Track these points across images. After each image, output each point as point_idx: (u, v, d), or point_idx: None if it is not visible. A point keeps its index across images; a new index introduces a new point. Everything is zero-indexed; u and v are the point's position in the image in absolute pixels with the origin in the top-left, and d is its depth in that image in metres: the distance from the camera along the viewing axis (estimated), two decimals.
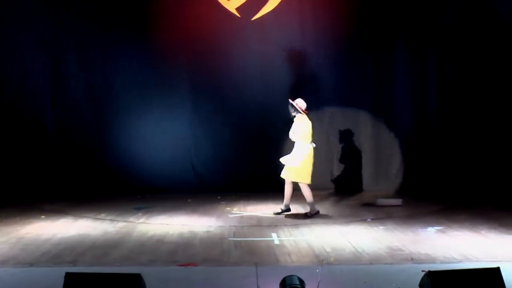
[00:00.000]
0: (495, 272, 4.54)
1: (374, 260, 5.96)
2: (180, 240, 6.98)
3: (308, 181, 8.50)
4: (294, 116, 8.55)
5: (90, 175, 10.80)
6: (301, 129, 8.44)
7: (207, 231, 7.50)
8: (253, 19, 11.05)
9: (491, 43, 10.77)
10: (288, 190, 8.60)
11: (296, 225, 7.83)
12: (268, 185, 10.79)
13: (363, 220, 8.20)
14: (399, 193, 10.55)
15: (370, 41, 11.06)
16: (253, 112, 11.06)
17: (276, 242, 6.86)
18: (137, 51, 10.98)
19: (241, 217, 8.58)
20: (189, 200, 10.03)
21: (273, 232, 7.40)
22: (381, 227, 7.69)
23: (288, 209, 8.67)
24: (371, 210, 9.03)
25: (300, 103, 8.49)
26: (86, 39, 10.92)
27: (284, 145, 10.95)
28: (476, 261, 5.85)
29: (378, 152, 11.25)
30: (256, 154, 11.07)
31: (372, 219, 8.22)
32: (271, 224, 7.93)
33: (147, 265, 5.83)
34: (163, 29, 10.80)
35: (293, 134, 8.50)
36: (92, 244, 6.78)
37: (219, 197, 10.23)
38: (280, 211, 8.67)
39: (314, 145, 8.57)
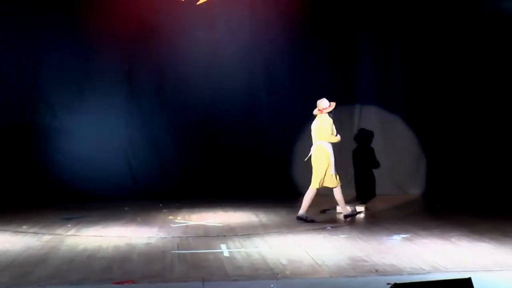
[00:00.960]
0: (466, 283, 4.60)
1: (335, 273, 5.96)
2: (116, 254, 6.82)
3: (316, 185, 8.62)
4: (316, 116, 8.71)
5: (12, 181, 10.46)
6: (329, 127, 8.56)
7: (147, 244, 7.37)
8: (198, 3, 10.95)
9: (459, 27, 11.09)
10: (340, 195, 8.70)
11: (247, 235, 7.79)
12: (216, 191, 10.78)
13: (322, 228, 8.22)
14: (360, 198, 10.68)
15: (329, 27, 11.18)
16: (199, 108, 10.98)
17: (226, 254, 6.80)
18: (66, 39, 10.70)
19: (186, 226, 8.49)
20: (126, 208, 9.88)
21: (222, 243, 7.34)
22: (342, 235, 7.73)
23: (356, 211, 9.06)
24: (331, 217, 9.05)
25: (322, 104, 8.61)
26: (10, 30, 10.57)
27: (233, 145, 10.96)
28: (446, 271, 5.93)
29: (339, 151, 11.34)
30: (202, 156, 11.00)
31: (332, 227, 8.26)
32: (220, 234, 7.87)
33: (77, 284, 5.66)
34: (96, 14, 10.58)
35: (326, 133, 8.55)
36: (12, 261, 6.53)
37: (160, 205, 10.12)
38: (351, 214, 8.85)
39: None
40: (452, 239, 7.43)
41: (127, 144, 10.97)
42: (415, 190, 11.22)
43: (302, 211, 8.64)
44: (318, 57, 11.21)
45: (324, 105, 8.70)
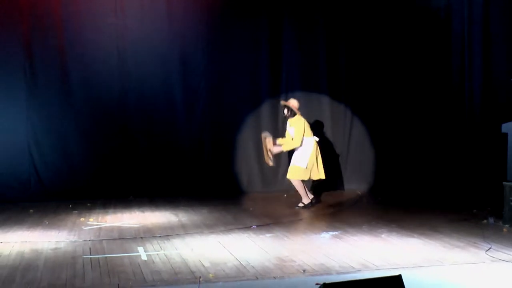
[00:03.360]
0: (397, 281, 4.74)
1: (261, 274, 6.01)
2: (19, 262, 6.61)
3: (319, 176, 9.64)
4: (287, 118, 9.65)
5: None
6: (301, 129, 9.48)
7: (55, 249, 7.19)
8: None
9: (390, 14, 11.45)
10: (298, 185, 9.60)
11: (167, 237, 7.74)
12: (132, 190, 10.64)
13: (246, 227, 8.27)
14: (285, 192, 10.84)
15: (252, 13, 11.21)
16: (110, 102, 10.78)
17: (144, 257, 6.73)
18: None
19: (99, 229, 8.34)
20: (32, 210, 9.60)
21: (140, 246, 7.26)
22: (268, 234, 7.81)
23: (312, 202, 9.67)
24: (256, 215, 9.13)
25: (294, 104, 9.56)
26: None
27: (148, 141, 10.84)
28: (376, 269, 6.11)
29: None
30: (115, 152, 10.82)
31: (257, 226, 8.33)
32: (137, 236, 7.78)
33: None
34: None
35: (297, 137, 9.50)
36: None
37: (70, 206, 9.92)
38: (302, 205, 9.62)
39: (317, 138, 9.63)
40: (382, 236, 7.65)
41: (31, 141, 10.62)
42: (354, 185, 11.50)
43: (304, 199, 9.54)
44: (241, 45, 11.22)
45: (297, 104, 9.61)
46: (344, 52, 11.60)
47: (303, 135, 9.55)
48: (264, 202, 10.42)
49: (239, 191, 11.17)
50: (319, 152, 9.69)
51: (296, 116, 9.61)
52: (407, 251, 6.87)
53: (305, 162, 9.58)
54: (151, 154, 10.96)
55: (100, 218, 9.08)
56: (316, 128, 11.09)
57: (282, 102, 9.83)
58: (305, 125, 9.60)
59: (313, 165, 9.62)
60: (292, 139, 9.59)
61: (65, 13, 10.55)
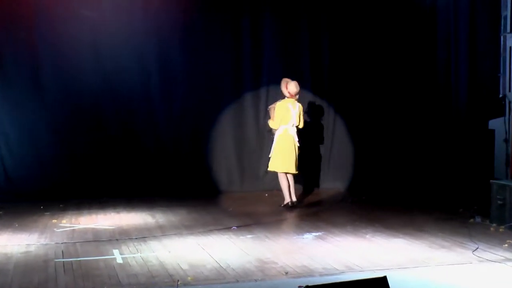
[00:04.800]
0: (382, 282, 4.77)
1: (242, 277, 6.02)
2: None
3: (280, 169, 9.65)
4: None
5: None
6: (277, 112, 9.65)
7: (26, 252, 7.14)
8: None
9: (374, 10, 11.49)
10: (281, 183, 9.69)
11: (143, 239, 7.72)
12: (106, 190, 10.59)
13: (227, 228, 8.28)
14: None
15: (231, 6, 11.23)
16: (84, 98, 10.72)
17: (119, 260, 6.71)
18: None
19: (73, 231, 8.29)
20: (1, 212, 9.51)
21: (115, 248, 7.24)
22: (249, 236, 7.82)
23: (292, 203, 9.62)
24: (236, 215, 9.15)
25: (291, 89, 9.65)
26: None
27: (124, 138, 10.80)
28: (361, 270, 6.15)
29: (243, 145, 11.46)
30: (89, 150, 10.76)
31: (237, 227, 8.34)
32: (112, 239, 7.75)
33: None
34: None
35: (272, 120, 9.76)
36: None
37: (42, 207, 9.83)
38: (283, 205, 9.67)
39: (293, 129, 9.69)
40: (366, 236, 7.70)
41: (0, 138, 10.54)
42: (338, 184, 11.57)
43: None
44: (220, 38, 11.21)
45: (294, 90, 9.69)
46: (327, 47, 11.62)
47: (279, 120, 9.61)
48: (245, 201, 10.43)
49: (219, 190, 11.16)
50: (294, 145, 9.64)
51: (285, 99, 9.67)
52: (392, 251, 6.93)
53: (271, 151, 9.70)
54: (127, 152, 10.91)
55: (73, 219, 9.02)
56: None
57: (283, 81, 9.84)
58: (282, 110, 9.61)
59: (278, 155, 9.61)
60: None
61: (37, 4, 10.46)
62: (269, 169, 9.88)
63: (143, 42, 10.89)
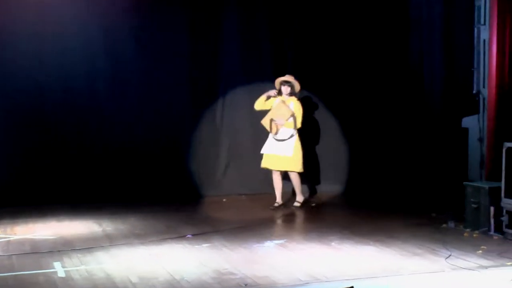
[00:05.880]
0: None
1: None
2: None
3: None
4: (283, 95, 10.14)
5: None
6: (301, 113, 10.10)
7: None
8: None
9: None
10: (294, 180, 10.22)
11: (89, 249, 7.65)
12: (46, 196, 10.45)
13: (181, 236, 8.26)
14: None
15: None
16: (25, 93, 10.55)
17: (61, 274, 6.65)
18: None
19: (8, 242, 8.18)
20: None
21: (56, 261, 7.15)
22: (205, 244, 7.82)
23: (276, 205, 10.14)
24: (192, 223, 9.13)
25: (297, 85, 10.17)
26: None
27: (68, 138, 10.68)
28: (327, 281, 6.19)
29: (200, 147, 11.44)
30: (27, 152, 10.60)
31: (193, 235, 8.32)
32: (53, 250, 7.67)
33: None
34: None
35: (298, 119, 10.08)
36: None
37: None
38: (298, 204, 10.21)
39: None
40: (333, 243, 7.76)
41: None
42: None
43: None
44: (175, 30, 11.18)
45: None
46: (292, 39, 11.64)
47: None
48: (201, 207, 10.42)
49: (173, 195, 11.09)
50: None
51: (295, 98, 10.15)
52: (361, 260, 6.99)
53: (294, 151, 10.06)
54: (70, 154, 10.77)
55: (8, 229, 8.88)
56: (260, 125, 11.22)
57: (288, 78, 10.16)
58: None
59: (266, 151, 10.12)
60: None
61: None
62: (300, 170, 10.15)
63: (91, 33, 10.76)
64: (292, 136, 9.98)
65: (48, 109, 10.71)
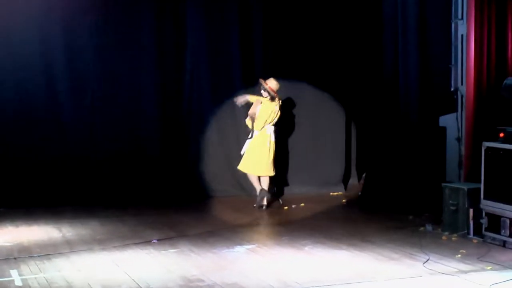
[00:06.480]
0: None
1: None
2: None
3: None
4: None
5: None
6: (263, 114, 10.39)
7: None
8: None
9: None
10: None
11: (47, 256, 7.59)
12: (2, 199, 10.33)
13: (146, 241, 8.23)
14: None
15: None
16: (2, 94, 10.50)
17: (18, 283, 6.59)
18: None
19: None
20: None
21: (13, 268, 7.09)
22: (171, 250, 7.81)
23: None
24: (157, 227, 9.09)
25: (272, 85, 10.40)
26: None
27: (22, 138, 10.59)
28: (299, 287, 6.21)
29: (168, 146, 11.41)
30: None
31: (159, 240, 8.30)
32: (9, 257, 7.59)
33: None
34: None
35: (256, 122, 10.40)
36: None
37: None
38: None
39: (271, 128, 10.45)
40: (305, 248, 7.78)
41: None
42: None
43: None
44: (138, 22, 11.16)
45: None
46: (260, 32, 11.67)
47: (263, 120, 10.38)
48: (166, 211, 10.37)
49: (136, 198, 11.03)
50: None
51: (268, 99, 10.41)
52: (335, 265, 7.03)
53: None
54: (27, 155, 10.67)
55: None
56: (227, 121, 11.22)
57: (262, 82, 10.44)
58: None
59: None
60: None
61: None
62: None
63: (46, 25, 10.70)
64: (251, 136, 10.41)
65: (23, 105, 10.66)
